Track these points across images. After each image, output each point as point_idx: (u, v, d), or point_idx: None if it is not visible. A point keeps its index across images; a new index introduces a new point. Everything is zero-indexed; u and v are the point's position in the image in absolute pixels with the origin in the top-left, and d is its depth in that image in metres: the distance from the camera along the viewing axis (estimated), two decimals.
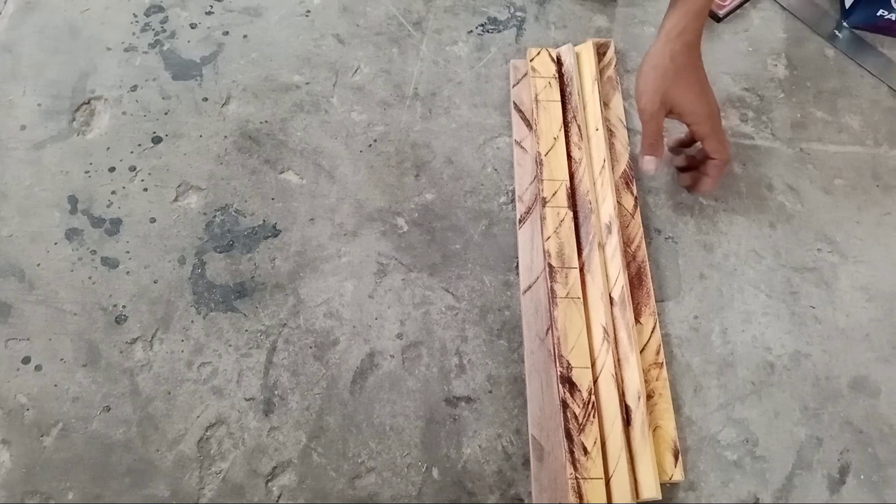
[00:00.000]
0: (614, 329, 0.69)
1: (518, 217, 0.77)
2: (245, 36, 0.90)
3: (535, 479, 0.64)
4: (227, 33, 0.90)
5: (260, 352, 0.70)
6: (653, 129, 0.74)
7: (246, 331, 0.71)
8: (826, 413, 0.70)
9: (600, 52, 0.88)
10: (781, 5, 0.97)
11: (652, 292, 0.73)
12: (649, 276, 0.74)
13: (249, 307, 0.73)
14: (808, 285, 0.77)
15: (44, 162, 0.80)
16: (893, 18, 0.93)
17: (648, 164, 0.75)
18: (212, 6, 0.92)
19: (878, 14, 0.93)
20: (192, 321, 0.71)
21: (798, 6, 0.97)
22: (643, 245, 0.75)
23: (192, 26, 0.91)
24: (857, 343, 0.74)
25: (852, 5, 0.94)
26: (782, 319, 0.75)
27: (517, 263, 0.76)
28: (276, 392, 0.68)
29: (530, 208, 0.77)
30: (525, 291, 0.73)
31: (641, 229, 0.76)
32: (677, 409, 0.69)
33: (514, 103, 0.85)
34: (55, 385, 0.68)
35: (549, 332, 0.70)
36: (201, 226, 0.77)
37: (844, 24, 0.96)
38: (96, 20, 0.91)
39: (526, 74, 0.87)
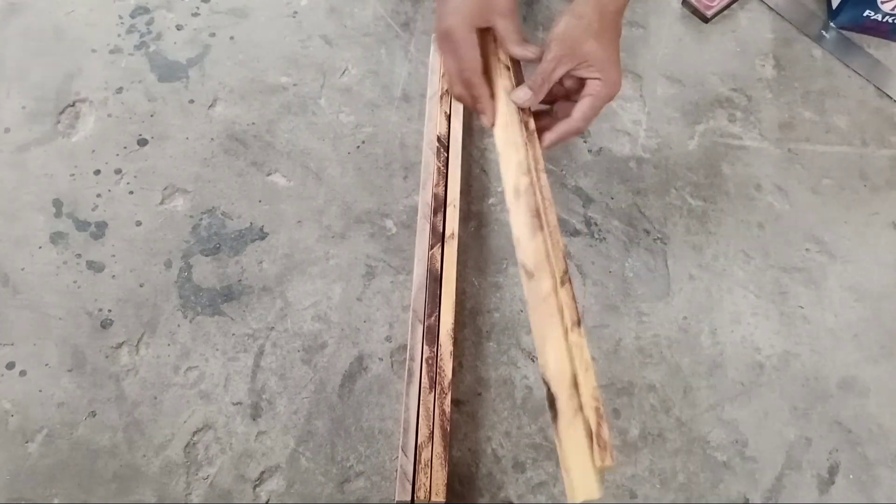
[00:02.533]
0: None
1: None
2: (232, 37, 0.89)
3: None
4: (213, 35, 0.89)
5: (247, 356, 0.70)
6: (550, 70, 0.70)
7: (233, 335, 0.71)
8: (815, 413, 0.70)
9: None
10: (769, 6, 0.98)
11: None
12: None
13: (236, 311, 0.72)
14: (796, 285, 0.77)
15: (28, 165, 0.79)
16: (880, 19, 0.93)
17: (523, 95, 0.70)
18: (198, 8, 0.92)
19: (864, 15, 0.93)
20: (179, 325, 0.71)
21: (785, 7, 0.97)
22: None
23: (179, 28, 0.90)
24: (845, 343, 0.74)
25: (839, 6, 0.94)
26: (771, 320, 0.75)
27: (506, 265, 0.76)
28: (263, 396, 0.68)
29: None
30: None
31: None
32: (667, 409, 0.69)
33: None
34: (40, 390, 0.67)
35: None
36: (188, 229, 0.76)
37: (831, 24, 0.96)
38: (81, 22, 0.90)
39: None
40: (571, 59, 0.70)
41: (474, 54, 0.69)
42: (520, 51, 0.71)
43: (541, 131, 0.70)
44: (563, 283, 0.57)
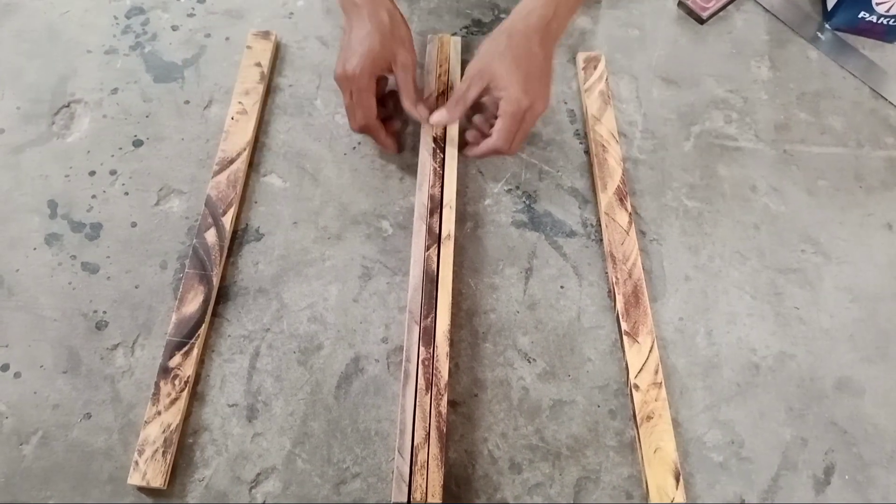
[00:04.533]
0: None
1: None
2: (227, 38, 0.89)
3: None
4: (209, 35, 0.89)
5: (243, 357, 0.70)
6: (463, 90, 0.76)
7: (229, 336, 0.71)
8: (811, 414, 0.70)
9: (590, 65, 0.88)
10: (764, 7, 0.98)
11: (649, 311, 0.72)
12: (646, 294, 0.73)
13: (232, 312, 0.72)
14: (792, 286, 0.77)
15: (23, 166, 0.79)
16: (875, 20, 0.93)
17: (439, 116, 0.77)
18: (193, 8, 0.92)
19: (859, 16, 0.93)
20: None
21: (781, 8, 0.98)
22: (639, 263, 0.75)
23: (174, 28, 0.90)
24: (841, 343, 0.74)
25: (834, 8, 0.95)
26: (767, 320, 0.75)
27: (502, 266, 0.76)
28: (259, 398, 0.68)
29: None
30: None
31: (637, 247, 0.76)
32: None
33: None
34: (35, 392, 0.67)
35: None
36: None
37: (826, 26, 0.96)
38: (76, 22, 0.90)
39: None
40: (480, 79, 0.77)
41: (371, 102, 0.76)
42: (410, 107, 0.78)
43: (472, 146, 0.79)
44: None
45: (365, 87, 0.74)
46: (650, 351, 0.70)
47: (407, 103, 0.77)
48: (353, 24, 0.75)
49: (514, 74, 0.73)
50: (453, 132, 0.80)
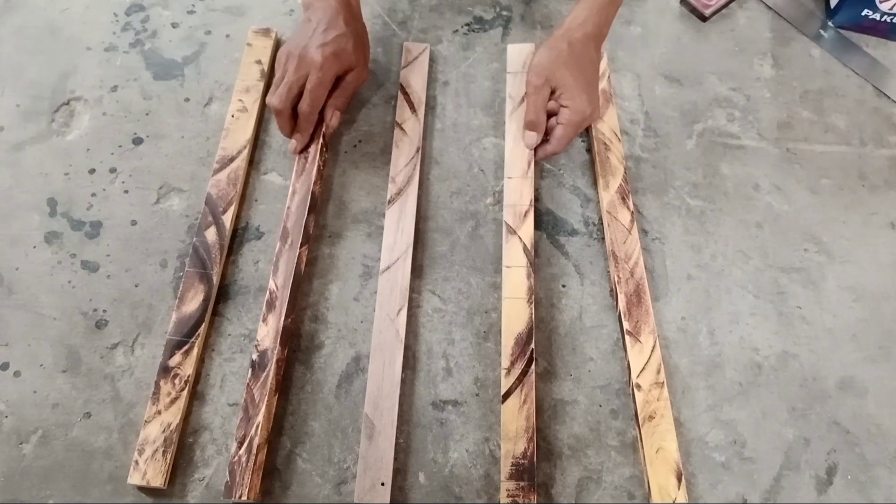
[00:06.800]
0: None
1: (388, 198, 0.77)
2: (228, 35, 0.89)
3: (362, 457, 0.63)
4: (209, 33, 0.89)
5: (243, 356, 0.69)
6: (535, 103, 0.77)
7: (229, 335, 0.70)
8: (813, 413, 0.70)
9: None
10: (767, 5, 0.97)
11: (651, 310, 0.72)
12: (648, 293, 0.73)
13: (233, 311, 0.72)
14: (795, 285, 0.76)
15: (22, 164, 0.78)
16: (878, 18, 0.93)
17: (529, 138, 0.79)
18: (194, 5, 0.91)
19: (862, 14, 0.93)
20: None
21: (784, 6, 0.97)
22: (641, 262, 0.74)
23: (174, 25, 0.89)
24: (844, 343, 0.74)
25: (837, 5, 0.94)
26: (770, 320, 0.74)
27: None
28: None
29: (401, 190, 0.77)
30: (383, 272, 0.72)
31: (639, 245, 0.75)
32: None
33: (401, 85, 0.85)
34: (34, 391, 0.67)
35: (401, 311, 0.70)
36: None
37: (830, 23, 0.96)
38: (76, 20, 0.89)
39: (417, 58, 0.87)
40: (547, 87, 0.77)
41: (324, 93, 0.76)
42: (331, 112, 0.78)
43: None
44: None
45: (325, 79, 0.74)
46: (652, 350, 0.70)
47: (334, 104, 0.78)
48: (330, 17, 0.76)
49: (580, 84, 0.75)
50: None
